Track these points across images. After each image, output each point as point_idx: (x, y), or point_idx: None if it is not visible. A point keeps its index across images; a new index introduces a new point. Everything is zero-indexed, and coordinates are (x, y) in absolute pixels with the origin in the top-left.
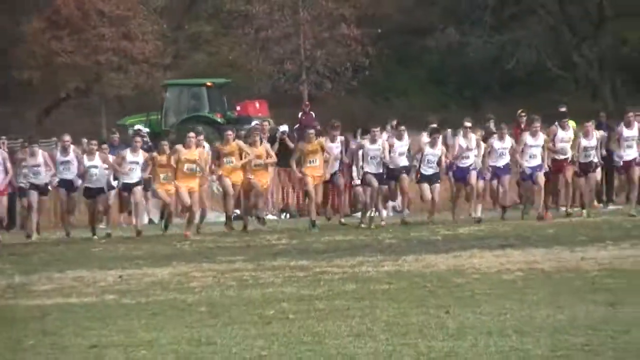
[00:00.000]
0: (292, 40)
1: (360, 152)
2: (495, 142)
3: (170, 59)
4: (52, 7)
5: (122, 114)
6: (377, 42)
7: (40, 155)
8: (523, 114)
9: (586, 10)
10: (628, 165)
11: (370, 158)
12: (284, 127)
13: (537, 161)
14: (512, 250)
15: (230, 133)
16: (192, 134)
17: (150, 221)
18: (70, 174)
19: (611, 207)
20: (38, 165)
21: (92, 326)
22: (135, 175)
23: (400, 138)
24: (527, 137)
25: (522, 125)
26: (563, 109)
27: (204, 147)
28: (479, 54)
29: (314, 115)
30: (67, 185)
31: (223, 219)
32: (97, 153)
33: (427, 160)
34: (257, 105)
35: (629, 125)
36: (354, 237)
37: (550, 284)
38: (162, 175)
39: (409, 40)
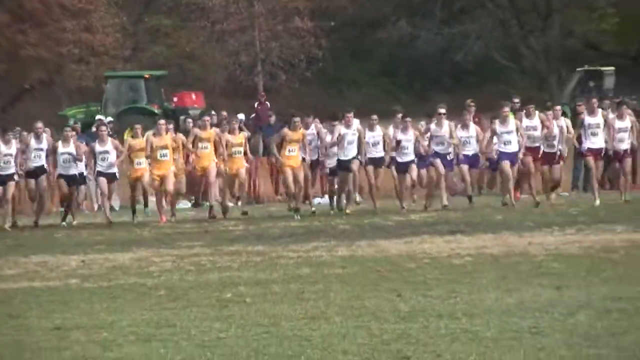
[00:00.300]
0: (247, 32)
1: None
2: (459, 131)
3: (129, 51)
4: (16, 1)
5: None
6: (330, 34)
7: (14, 145)
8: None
9: (534, 3)
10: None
11: (347, 143)
12: (241, 116)
13: (512, 147)
14: (461, 236)
15: (162, 122)
16: (162, 121)
17: (112, 208)
18: (41, 161)
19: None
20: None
21: (56, 309)
22: (106, 164)
23: (371, 129)
24: (496, 125)
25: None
26: (516, 100)
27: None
28: (429, 46)
29: (269, 105)
30: (38, 172)
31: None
32: (72, 140)
33: (402, 147)
34: (194, 96)
35: (592, 112)
36: (309, 223)
37: (499, 268)
38: (135, 161)
39: (361, 33)
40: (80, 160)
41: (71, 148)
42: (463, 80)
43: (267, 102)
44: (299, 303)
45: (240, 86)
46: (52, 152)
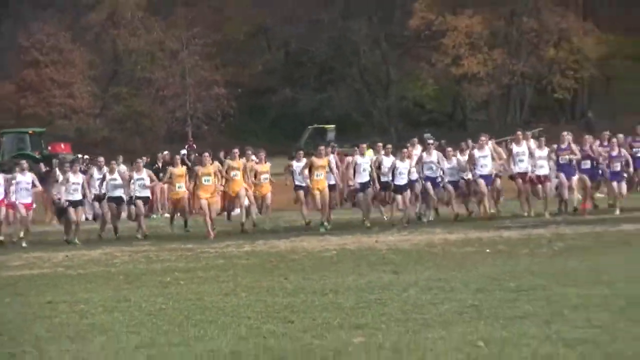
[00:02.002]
0: (181, 97)
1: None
2: (425, 156)
3: (99, 110)
4: (20, 76)
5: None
6: (238, 98)
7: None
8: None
9: (378, 77)
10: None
11: (363, 170)
12: (184, 151)
13: (487, 170)
14: (330, 237)
15: (206, 155)
16: (206, 154)
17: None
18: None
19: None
20: None
21: (47, 289)
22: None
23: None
24: (476, 151)
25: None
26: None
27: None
28: (306, 106)
29: (195, 147)
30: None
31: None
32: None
33: (399, 172)
34: (63, 146)
35: (518, 142)
36: (223, 228)
37: (355, 259)
38: (177, 185)
39: (258, 97)
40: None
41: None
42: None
43: (194, 145)
44: (216, 284)
45: (175, 134)
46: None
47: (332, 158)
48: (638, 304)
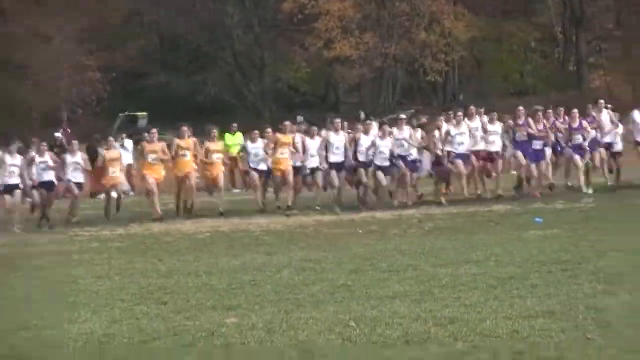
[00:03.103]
0: (56, 81)
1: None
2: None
3: None
4: None
5: None
6: (112, 82)
7: None
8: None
9: (252, 60)
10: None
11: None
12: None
13: (464, 147)
14: (205, 219)
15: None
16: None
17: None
18: None
19: None
20: None
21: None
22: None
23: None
24: (450, 127)
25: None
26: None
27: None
28: (180, 90)
29: (69, 131)
30: None
31: None
32: None
33: (380, 151)
34: None
35: (471, 118)
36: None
37: (228, 241)
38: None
39: (134, 81)
40: None
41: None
42: (205, 114)
43: (68, 130)
44: (90, 267)
45: (51, 118)
46: None
47: (299, 137)
48: (507, 283)
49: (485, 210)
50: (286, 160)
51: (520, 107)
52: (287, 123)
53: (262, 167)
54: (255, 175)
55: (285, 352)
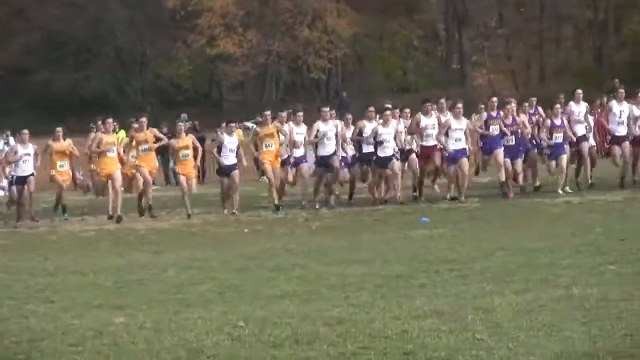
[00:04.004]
0: None
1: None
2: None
3: None
4: None
5: None
6: None
7: None
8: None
9: (133, 55)
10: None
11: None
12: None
13: (462, 144)
14: (89, 218)
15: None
16: (58, 129)
17: None
18: None
19: None
20: None
21: None
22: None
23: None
24: (451, 121)
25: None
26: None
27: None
28: (64, 86)
29: None
30: None
31: None
32: None
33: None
34: None
35: (426, 114)
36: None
37: (113, 240)
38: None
39: (18, 78)
40: None
41: None
42: (87, 109)
43: None
44: None
45: None
46: None
47: (287, 127)
48: (394, 282)
49: (372, 209)
50: (272, 152)
51: (494, 98)
52: (267, 113)
53: (232, 161)
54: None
55: (174, 352)
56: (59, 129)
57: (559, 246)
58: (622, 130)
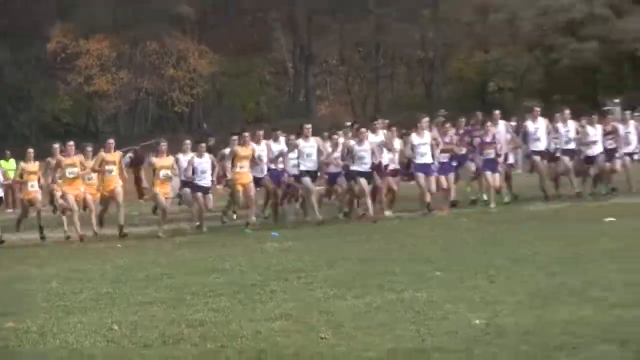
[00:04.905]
0: None
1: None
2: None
3: None
4: None
5: None
6: None
7: None
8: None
9: (20, 94)
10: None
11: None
12: None
13: (427, 159)
14: None
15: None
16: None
17: None
18: None
19: None
20: None
21: None
22: None
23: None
24: (413, 137)
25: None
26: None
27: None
28: None
29: None
30: None
31: None
32: None
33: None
34: None
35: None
36: None
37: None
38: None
39: None
40: None
41: None
42: None
43: None
44: None
45: None
46: None
47: (264, 145)
48: (249, 289)
49: (230, 225)
50: (246, 174)
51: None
52: (246, 134)
53: (205, 183)
54: (198, 194)
55: (57, 353)
56: (30, 150)
57: (393, 256)
58: (539, 146)
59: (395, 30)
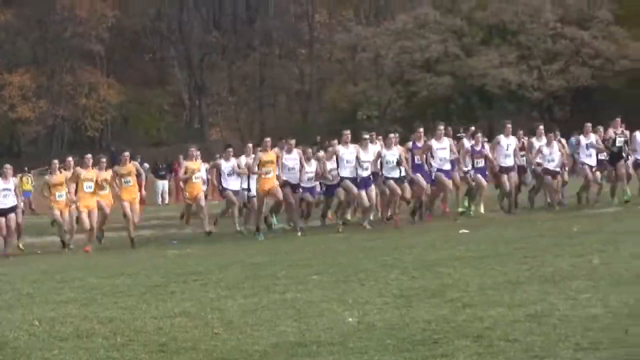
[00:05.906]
0: None
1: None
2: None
3: None
4: None
5: None
6: None
7: None
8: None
9: None
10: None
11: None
12: None
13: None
14: None
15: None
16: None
17: None
18: None
19: None
20: None
21: None
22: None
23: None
24: (433, 142)
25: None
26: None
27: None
28: None
29: None
30: None
31: None
32: None
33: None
34: None
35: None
36: None
37: None
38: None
39: None
40: None
41: None
42: None
43: None
44: None
45: None
46: None
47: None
48: (153, 290)
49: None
50: (271, 180)
51: (421, 129)
52: (268, 139)
53: (235, 186)
54: (231, 194)
55: None
56: (55, 161)
57: (277, 261)
58: (508, 162)
59: (276, 66)
